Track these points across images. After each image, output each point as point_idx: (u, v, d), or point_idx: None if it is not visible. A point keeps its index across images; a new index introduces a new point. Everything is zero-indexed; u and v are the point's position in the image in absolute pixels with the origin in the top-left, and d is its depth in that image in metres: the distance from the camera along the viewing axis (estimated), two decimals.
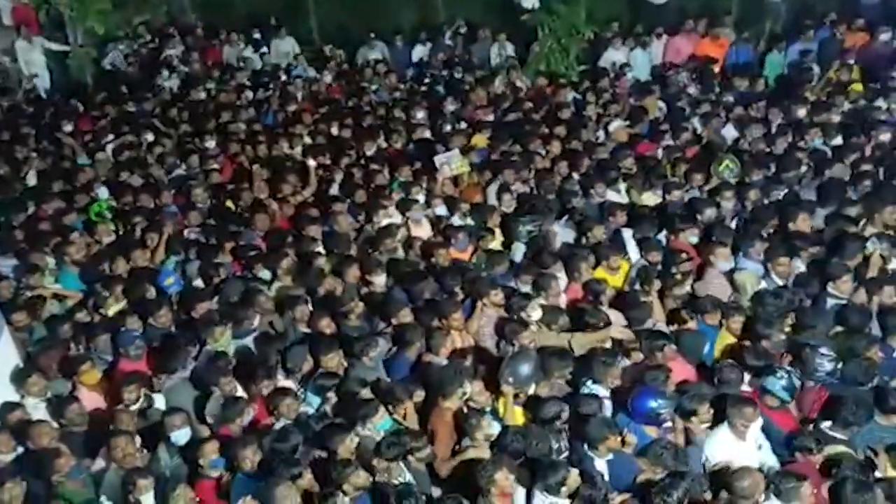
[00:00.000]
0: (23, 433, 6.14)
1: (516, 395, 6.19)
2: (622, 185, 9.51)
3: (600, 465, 5.59)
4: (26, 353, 7.28)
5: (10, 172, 10.85)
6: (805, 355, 6.27)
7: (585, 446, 5.67)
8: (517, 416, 6.18)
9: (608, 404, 6.20)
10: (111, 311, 7.73)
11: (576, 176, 9.70)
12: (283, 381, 6.70)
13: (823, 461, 5.57)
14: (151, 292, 7.92)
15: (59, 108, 13.13)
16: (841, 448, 5.67)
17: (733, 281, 7.57)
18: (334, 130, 11.61)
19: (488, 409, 6.19)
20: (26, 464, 5.98)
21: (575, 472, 5.27)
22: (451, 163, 9.98)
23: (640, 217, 8.57)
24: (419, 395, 6.38)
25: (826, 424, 5.82)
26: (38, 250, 8.66)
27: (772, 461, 5.70)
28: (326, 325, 7.23)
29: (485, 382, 6.32)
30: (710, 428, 5.92)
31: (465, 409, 6.13)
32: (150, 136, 11.66)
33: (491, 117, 11.90)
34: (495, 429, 5.90)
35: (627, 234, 8.47)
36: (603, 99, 12.10)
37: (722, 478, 5.33)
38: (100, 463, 6.09)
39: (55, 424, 6.33)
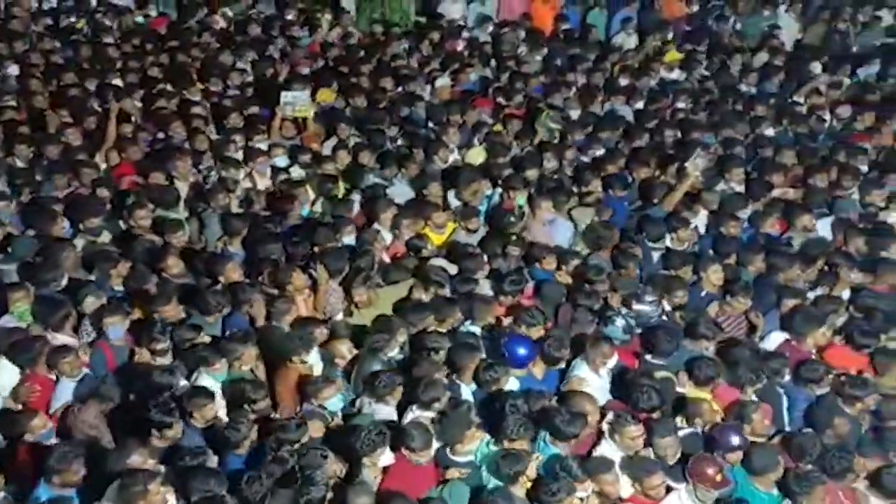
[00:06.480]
0: None
1: None
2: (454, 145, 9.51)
3: (466, 391, 6.03)
4: None
5: None
6: (634, 308, 6.81)
7: (454, 375, 6.11)
8: None
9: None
10: None
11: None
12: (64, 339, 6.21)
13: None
14: None
15: None
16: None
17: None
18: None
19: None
20: None
21: (448, 394, 5.70)
22: (296, 103, 9.43)
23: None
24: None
25: (648, 356, 6.42)
26: None
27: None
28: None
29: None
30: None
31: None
32: None
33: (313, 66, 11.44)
34: (335, 404, 5.83)
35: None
36: (434, 53, 11.95)
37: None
38: None
39: None
